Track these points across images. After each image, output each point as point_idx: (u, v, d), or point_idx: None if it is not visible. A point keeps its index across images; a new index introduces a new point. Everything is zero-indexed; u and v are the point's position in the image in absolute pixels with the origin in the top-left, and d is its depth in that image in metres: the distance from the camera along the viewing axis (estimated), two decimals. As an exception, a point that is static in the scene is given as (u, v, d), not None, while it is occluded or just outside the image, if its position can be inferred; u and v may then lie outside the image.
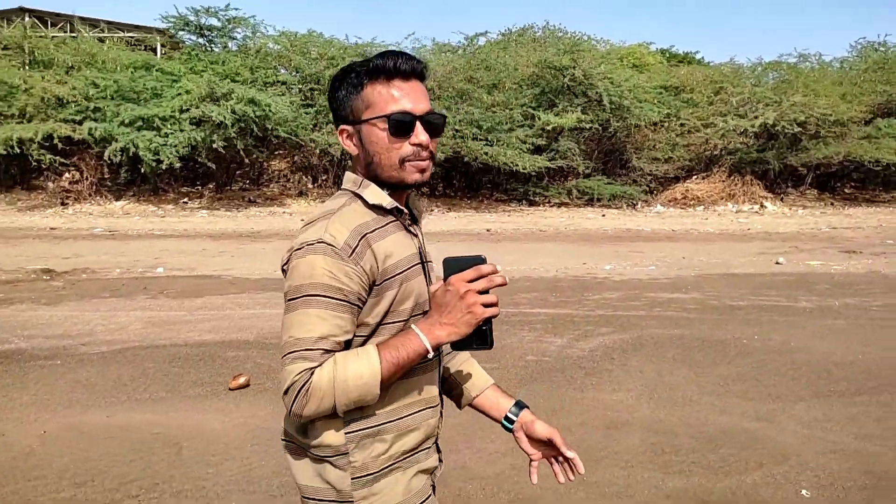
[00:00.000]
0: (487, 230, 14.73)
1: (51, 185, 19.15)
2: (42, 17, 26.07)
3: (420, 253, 1.40)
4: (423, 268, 1.40)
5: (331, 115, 1.43)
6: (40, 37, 20.67)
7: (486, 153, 17.72)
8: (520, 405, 1.53)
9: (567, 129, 19.06)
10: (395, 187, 1.35)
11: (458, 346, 1.31)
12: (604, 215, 18.20)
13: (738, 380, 4.71)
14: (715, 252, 11.16)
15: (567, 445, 1.48)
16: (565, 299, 7.38)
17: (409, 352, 1.27)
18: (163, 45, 24.61)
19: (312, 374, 1.21)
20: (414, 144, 1.32)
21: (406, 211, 1.39)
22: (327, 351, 1.23)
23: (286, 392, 1.22)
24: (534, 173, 18.69)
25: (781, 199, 20.57)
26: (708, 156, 21.06)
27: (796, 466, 3.37)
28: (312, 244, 1.25)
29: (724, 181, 20.54)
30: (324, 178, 20.38)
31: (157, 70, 18.80)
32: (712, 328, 6.12)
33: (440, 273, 1.34)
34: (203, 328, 5.85)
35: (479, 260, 1.28)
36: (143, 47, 22.57)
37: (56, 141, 16.94)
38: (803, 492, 3.12)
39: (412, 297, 1.34)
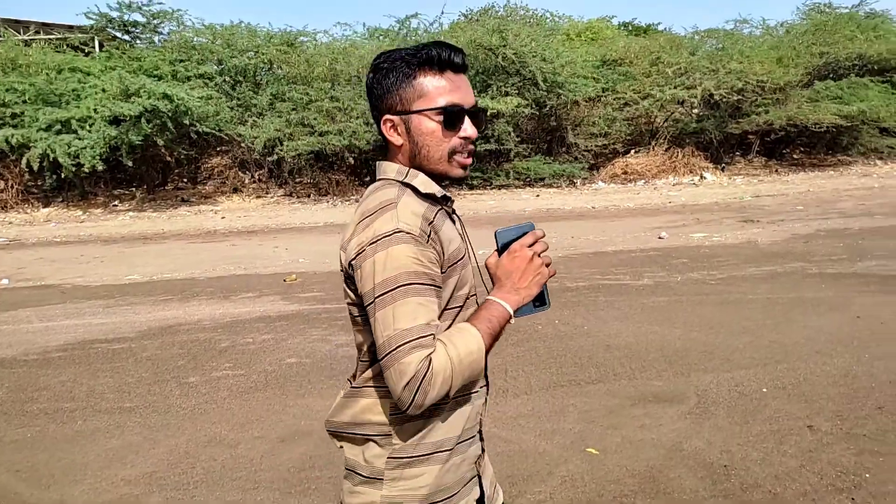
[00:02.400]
0: (404, 218, 14.46)
1: (-26, 194, 18.82)
2: (-26, 24, 25.60)
3: (464, 239, 1.40)
4: (470, 252, 1.41)
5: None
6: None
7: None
8: None
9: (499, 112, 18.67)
10: (436, 179, 1.35)
11: (520, 311, 1.34)
12: (538, 195, 17.89)
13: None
14: (611, 228, 10.87)
15: None
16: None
17: (500, 320, 1.29)
18: (100, 45, 24.21)
19: (431, 360, 1.19)
20: (463, 138, 1.33)
21: (452, 198, 1.40)
22: (434, 336, 1.22)
23: (407, 384, 1.19)
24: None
25: (722, 170, 20.24)
26: (648, 129, 20.73)
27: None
28: (390, 235, 1.23)
29: (663, 154, 20.22)
30: (259, 172, 20.04)
31: (73, 70, 18.40)
32: (519, 314, 5.84)
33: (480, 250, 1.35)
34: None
35: (530, 227, 1.36)
36: (69, 47, 22.06)
37: (-30, 151, 16.59)
38: None
39: (468, 283, 1.37)
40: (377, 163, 1.40)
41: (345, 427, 1.37)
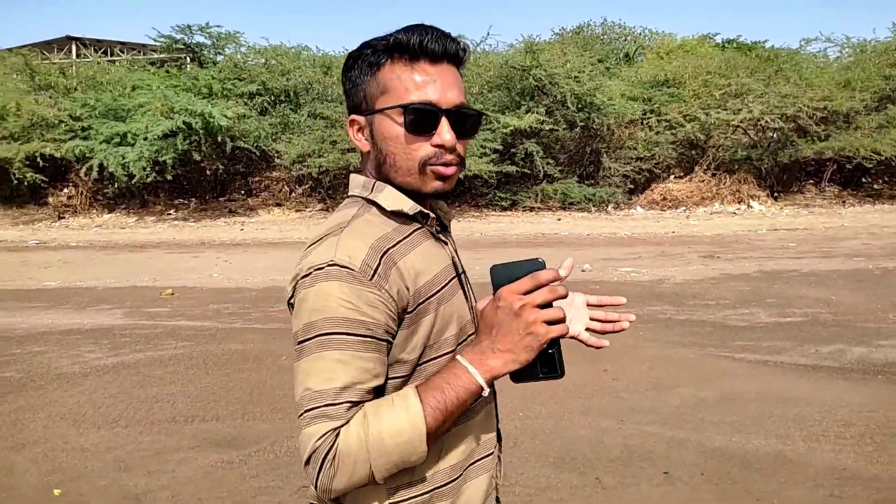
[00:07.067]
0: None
1: (51, 199, 20.88)
2: (87, 44, 28.45)
3: (455, 264, 1.16)
4: (461, 281, 1.16)
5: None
6: (50, 63, 22.56)
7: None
8: None
9: (530, 131, 18.34)
10: (411, 194, 1.11)
11: (521, 376, 1.05)
12: (559, 220, 17.36)
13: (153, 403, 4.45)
14: (558, 257, 10.25)
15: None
16: (239, 311, 7.19)
17: (459, 392, 1.01)
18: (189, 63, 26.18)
19: (338, 435, 0.97)
20: (435, 145, 1.07)
21: (433, 215, 1.14)
22: (354, 404, 0.99)
23: (308, 462, 0.98)
24: (491, 178, 18.09)
25: (775, 198, 18.70)
26: (695, 154, 19.56)
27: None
28: (322, 268, 1.01)
29: (710, 180, 18.99)
30: (303, 188, 20.82)
31: (140, 87, 19.97)
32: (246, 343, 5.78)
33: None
34: None
35: (536, 265, 1.04)
36: (151, 65, 24.00)
37: (38, 160, 18.40)
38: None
39: (454, 321, 1.10)
40: (350, 175, 1.17)
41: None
